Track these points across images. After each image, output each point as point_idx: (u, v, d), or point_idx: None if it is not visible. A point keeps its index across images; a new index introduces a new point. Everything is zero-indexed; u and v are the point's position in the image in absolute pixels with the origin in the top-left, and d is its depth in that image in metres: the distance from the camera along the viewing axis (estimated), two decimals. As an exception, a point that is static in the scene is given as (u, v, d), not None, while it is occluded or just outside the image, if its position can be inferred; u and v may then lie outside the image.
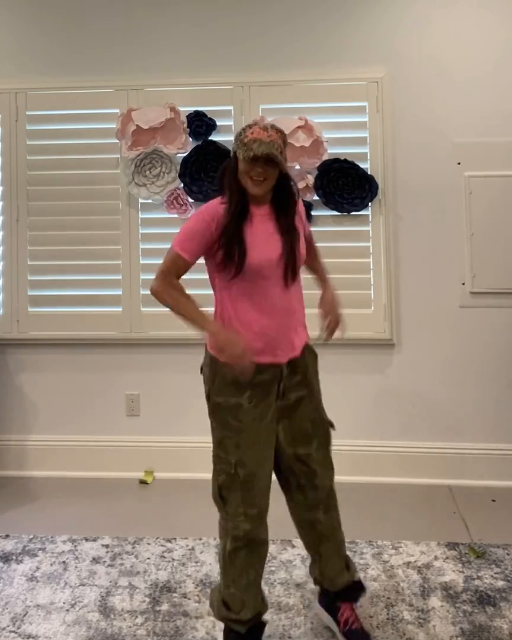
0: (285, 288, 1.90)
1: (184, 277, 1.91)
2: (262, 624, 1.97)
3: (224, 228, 1.83)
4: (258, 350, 1.84)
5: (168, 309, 1.89)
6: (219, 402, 1.89)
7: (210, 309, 1.93)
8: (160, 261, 3.48)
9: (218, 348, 1.83)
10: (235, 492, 1.87)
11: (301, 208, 2.04)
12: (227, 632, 1.95)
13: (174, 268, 1.87)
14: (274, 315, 1.88)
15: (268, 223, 1.90)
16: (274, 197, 1.91)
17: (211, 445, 1.94)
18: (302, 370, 1.96)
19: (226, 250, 1.83)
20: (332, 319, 2.05)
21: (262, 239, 1.87)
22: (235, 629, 1.91)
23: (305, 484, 1.97)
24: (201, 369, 1.98)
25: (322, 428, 2.01)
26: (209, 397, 1.92)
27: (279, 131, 1.86)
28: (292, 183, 1.94)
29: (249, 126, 1.86)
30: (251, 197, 1.87)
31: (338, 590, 2.03)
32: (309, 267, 2.16)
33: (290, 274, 1.89)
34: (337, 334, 2.09)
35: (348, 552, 2.40)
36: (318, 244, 3.24)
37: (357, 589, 2.06)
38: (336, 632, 2.00)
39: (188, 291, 1.92)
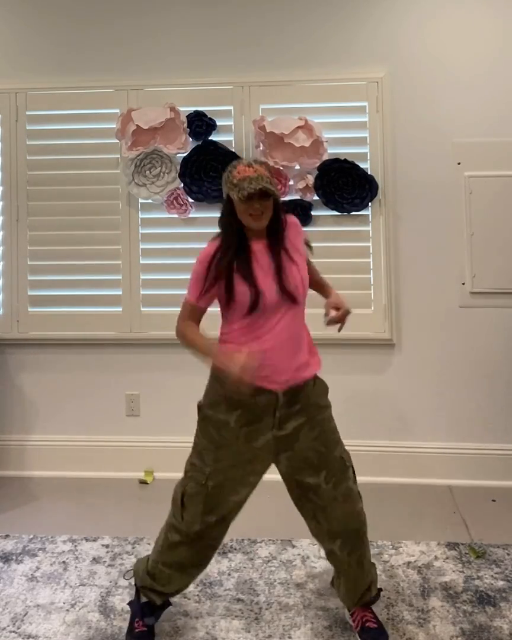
0: (285, 315, 1.90)
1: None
2: (168, 603, 2.08)
3: (219, 271, 1.87)
4: (257, 375, 1.85)
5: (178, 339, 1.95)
6: (209, 414, 1.93)
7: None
8: (160, 261, 3.50)
9: (219, 369, 1.81)
10: (197, 504, 1.91)
11: (296, 230, 2.01)
12: (138, 599, 2.04)
13: (186, 313, 1.95)
14: (273, 342, 1.88)
15: (265, 255, 1.92)
16: (269, 227, 1.93)
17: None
18: (303, 400, 1.93)
19: (242, 290, 1.86)
20: (342, 313, 1.99)
21: (268, 273, 1.89)
22: (151, 597, 2.01)
23: (318, 515, 1.97)
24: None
25: (332, 460, 1.95)
26: (200, 408, 1.97)
27: (263, 163, 1.92)
28: (282, 210, 1.97)
29: (233, 166, 1.89)
30: (251, 233, 1.91)
31: None
32: (323, 287, 2.17)
33: (290, 300, 1.90)
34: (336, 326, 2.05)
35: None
36: (318, 244, 3.26)
37: (370, 597, 2.05)
38: (353, 631, 2.02)
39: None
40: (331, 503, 1.94)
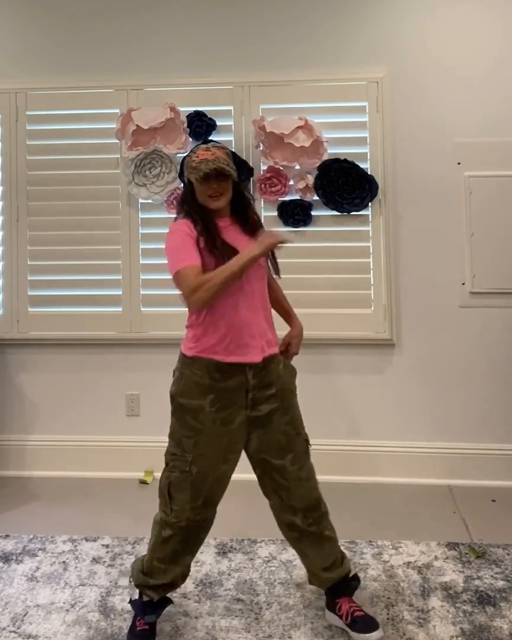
0: (254, 287, 1.99)
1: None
2: (169, 600, 2.09)
3: (209, 242, 1.93)
4: (225, 349, 1.94)
5: (211, 294, 1.86)
6: (183, 403, 1.98)
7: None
8: (160, 261, 3.48)
9: (267, 248, 1.89)
10: (184, 491, 1.96)
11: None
12: (140, 597, 2.05)
13: (193, 274, 1.87)
14: (241, 315, 1.96)
15: (233, 230, 2.01)
16: (232, 208, 2.04)
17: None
18: (276, 384, 2.01)
19: (221, 257, 1.91)
20: (291, 352, 2.15)
21: (238, 244, 1.97)
22: (148, 594, 2.03)
23: (280, 491, 2.04)
24: (174, 372, 2.07)
25: (299, 443, 2.05)
26: (173, 398, 2.01)
27: (221, 148, 2.02)
28: (246, 192, 2.10)
29: (193, 151, 2.01)
30: (214, 213, 2.00)
31: (329, 586, 2.08)
32: (272, 300, 2.16)
33: (258, 271, 1.99)
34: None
35: (348, 552, 2.41)
36: (318, 244, 3.28)
37: (349, 581, 2.10)
38: (344, 628, 2.02)
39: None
40: (295, 482, 2.02)
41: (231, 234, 2.00)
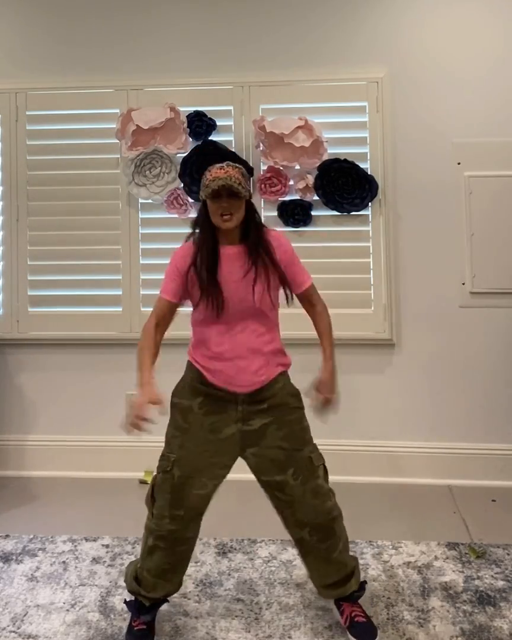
0: (248, 321, 1.96)
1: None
2: (166, 600, 2.08)
3: (199, 278, 1.93)
4: (212, 372, 1.96)
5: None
6: (175, 401, 2.03)
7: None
8: (160, 261, 3.48)
9: (136, 404, 1.87)
10: (165, 493, 1.95)
11: (283, 245, 2.02)
12: (134, 600, 2.06)
13: (157, 310, 2.00)
14: (230, 347, 1.95)
15: (235, 260, 1.95)
16: (243, 235, 1.97)
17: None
18: (269, 401, 1.97)
19: (205, 296, 1.93)
20: (325, 401, 2.04)
21: (229, 281, 1.93)
22: (141, 600, 2.03)
23: (284, 508, 1.99)
24: None
25: (300, 459, 1.97)
26: (171, 397, 2.04)
27: (236, 167, 1.96)
28: (256, 216, 2.01)
29: (208, 170, 1.96)
30: (222, 237, 1.96)
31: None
32: (315, 325, 2.13)
33: (252, 308, 1.94)
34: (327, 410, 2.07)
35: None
36: (318, 244, 3.28)
37: (354, 591, 2.07)
38: (344, 628, 2.03)
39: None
40: (299, 499, 1.96)
41: (231, 264, 1.94)
